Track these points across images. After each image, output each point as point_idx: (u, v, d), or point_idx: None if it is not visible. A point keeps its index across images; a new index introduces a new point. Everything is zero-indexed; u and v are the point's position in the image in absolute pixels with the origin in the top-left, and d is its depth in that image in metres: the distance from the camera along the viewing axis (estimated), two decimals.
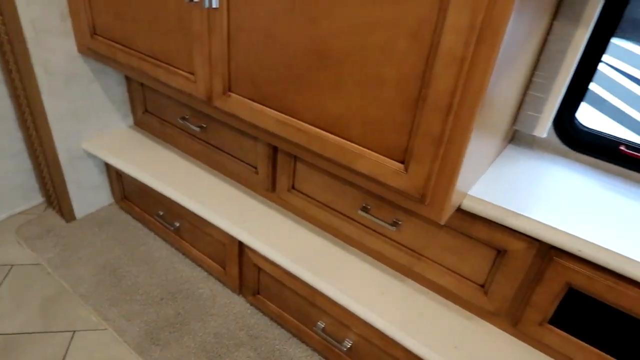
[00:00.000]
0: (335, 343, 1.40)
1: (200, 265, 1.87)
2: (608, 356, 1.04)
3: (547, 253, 1.02)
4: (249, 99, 1.18)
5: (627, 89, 2.78)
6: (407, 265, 1.28)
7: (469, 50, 0.76)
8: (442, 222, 0.98)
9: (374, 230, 1.30)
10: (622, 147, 1.19)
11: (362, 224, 1.32)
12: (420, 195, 0.95)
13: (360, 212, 1.26)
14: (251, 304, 1.71)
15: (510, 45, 0.82)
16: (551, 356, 1.16)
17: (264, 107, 1.15)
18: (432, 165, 0.90)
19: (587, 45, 1.11)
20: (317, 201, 1.41)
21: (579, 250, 0.94)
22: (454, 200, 0.98)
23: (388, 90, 0.90)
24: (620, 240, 0.95)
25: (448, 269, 1.21)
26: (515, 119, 1.23)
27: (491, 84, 0.81)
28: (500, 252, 1.09)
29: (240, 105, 1.21)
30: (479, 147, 0.97)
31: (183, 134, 1.78)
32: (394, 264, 1.37)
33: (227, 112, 1.26)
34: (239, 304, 1.71)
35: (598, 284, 0.97)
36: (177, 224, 1.80)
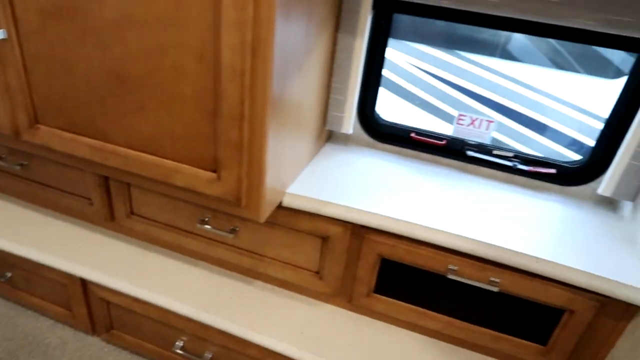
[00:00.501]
0: (197, 358, 1.41)
1: (43, 314, 1.72)
2: (422, 309, 1.23)
3: (359, 232, 1.18)
4: (59, 128, 1.15)
5: (431, 84, 3.33)
6: (251, 268, 1.35)
7: (247, 64, 0.86)
8: (262, 221, 1.07)
9: (215, 241, 1.35)
10: (412, 134, 1.42)
11: (204, 237, 1.36)
12: (235, 199, 1.03)
13: (199, 225, 1.30)
14: (107, 342, 1.63)
15: (287, 56, 0.94)
16: (383, 321, 1.33)
17: (75, 135, 1.13)
18: (239, 170, 0.99)
19: (369, 51, 1.31)
20: (158, 222, 1.41)
21: (379, 224, 1.11)
22: (271, 199, 1.08)
23: (188, 106, 0.96)
24: (411, 211, 1.15)
25: (287, 263, 1.31)
26: (325, 120, 1.39)
27: (276, 92, 0.92)
28: (325, 239, 1.22)
29: (50, 136, 1.16)
30: (285, 148, 1.08)
31: (3, 175, 1.63)
32: (239, 269, 1.44)
33: (38, 145, 1.20)
34: (93, 345, 1.61)
35: (399, 250, 1.15)
36: (9, 274, 1.63)
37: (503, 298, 1.14)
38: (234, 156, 0.97)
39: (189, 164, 1.04)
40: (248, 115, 0.92)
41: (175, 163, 1.05)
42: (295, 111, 1.09)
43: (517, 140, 3.04)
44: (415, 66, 3.34)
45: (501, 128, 3.10)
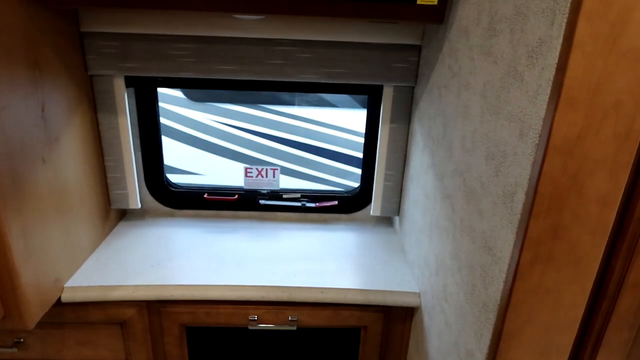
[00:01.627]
0: None
1: None
2: None
3: (156, 308, 1.14)
4: None
5: (236, 135, 3.75)
6: None
7: None
8: (31, 327, 0.97)
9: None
10: (205, 195, 1.45)
11: None
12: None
13: None
14: None
15: (17, 145, 0.89)
16: None
17: None
18: None
19: (141, 124, 1.32)
20: None
21: (172, 295, 1.10)
22: (40, 300, 0.99)
23: None
24: (205, 273, 1.16)
25: None
26: (109, 199, 1.34)
27: (6, 182, 0.86)
28: (122, 325, 1.15)
29: None
30: (49, 240, 1.01)
31: None
32: None
33: None
34: None
35: (200, 315, 1.14)
36: None
37: (306, 333, 1.20)
38: None
39: None
40: None
41: None
42: (51, 198, 1.03)
43: (328, 173, 3.56)
44: (222, 122, 3.71)
45: (312, 165, 3.59)
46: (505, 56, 0.67)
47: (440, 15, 0.93)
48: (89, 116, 1.20)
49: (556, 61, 0.53)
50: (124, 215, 1.46)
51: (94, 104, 1.23)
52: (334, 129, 3.89)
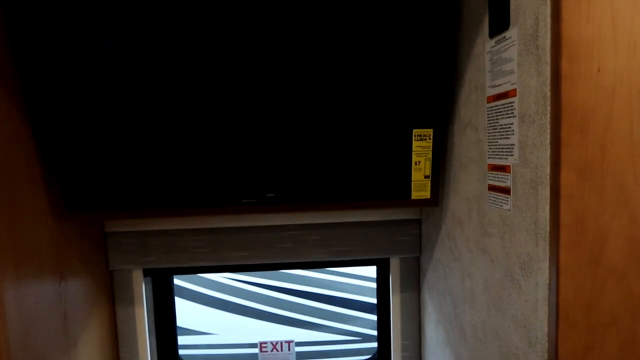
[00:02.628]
0: None
1: None
2: None
3: None
4: None
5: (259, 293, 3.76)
6: None
7: None
8: None
9: None
10: None
11: None
12: None
13: None
14: None
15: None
16: None
17: None
18: None
19: (157, 310, 1.34)
20: None
21: None
22: None
23: None
24: None
25: None
26: None
27: None
28: None
29: None
30: None
31: None
32: None
33: None
34: None
35: None
36: None
37: None
38: None
39: None
40: None
41: None
42: None
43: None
44: (231, 278, 3.76)
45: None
46: (501, 259, 0.72)
47: (434, 201, 1.01)
48: (107, 310, 1.23)
49: (548, 282, 0.57)
50: None
51: (112, 297, 1.27)
52: (343, 276, 3.91)
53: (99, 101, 0.90)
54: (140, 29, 0.86)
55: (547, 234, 0.57)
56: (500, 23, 0.70)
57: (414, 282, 1.30)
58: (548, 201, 0.57)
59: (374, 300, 1.47)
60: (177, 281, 3.77)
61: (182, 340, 1.46)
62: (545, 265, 0.58)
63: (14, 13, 0.84)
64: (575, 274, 0.55)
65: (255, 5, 0.85)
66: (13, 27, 0.86)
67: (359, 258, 1.27)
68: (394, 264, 1.29)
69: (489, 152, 0.76)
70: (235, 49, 0.87)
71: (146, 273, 1.30)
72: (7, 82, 0.85)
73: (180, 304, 3.68)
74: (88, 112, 0.90)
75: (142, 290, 1.28)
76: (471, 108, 0.84)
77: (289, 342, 1.47)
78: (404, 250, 1.26)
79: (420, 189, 0.97)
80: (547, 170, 0.57)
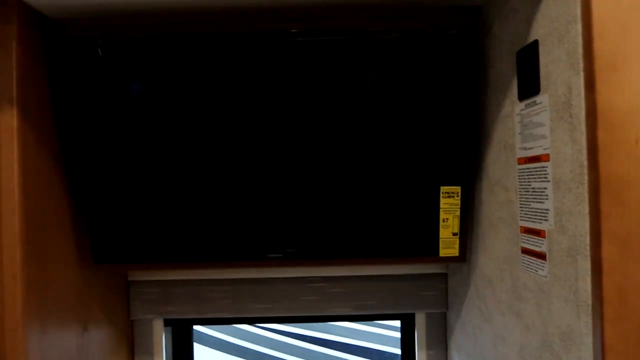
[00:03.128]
0: None
1: None
2: None
3: None
4: None
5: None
6: None
7: None
8: None
9: None
10: None
11: None
12: None
13: None
14: None
15: None
16: None
17: None
18: None
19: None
20: None
21: None
22: None
23: None
24: None
25: None
26: None
27: None
28: None
29: None
30: None
31: None
32: None
33: None
34: None
35: None
36: None
37: None
38: None
39: None
40: None
41: None
42: None
43: None
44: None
45: None
46: (538, 327, 0.69)
47: (462, 257, 0.99)
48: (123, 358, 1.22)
49: (592, 359, 0.55)
50: None
51: (132, 347, 1.25)
52: (367, 324, 3.79)
53: (131, 161, 0.92)
54: (173, 102, 0.89)
55: (590, 307, 0.55)
56: (530, 88, 0.70)
57: (440, 338, 1.25)
58: (589, 273, 0.55)
59: (398, 351, 1.42)
60: (196, 326, 3.69)
61: None
62: (589, 340, 0.55)
63: (62, 78, 0.89)
64: (622, 352, 0.52)
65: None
66: (56, 88, 0.90)
67: (383, 313, 1.24)
68: (420, 319, 1.25)
69: (520, 214, 0.75)
70: (265, 113, 0.90)
71: (166, 322, 1.29)
72: (46, 136, 0.89)
73: (198, 350, 3.60)
74: (121, 171, 0.93)
75: (162, 341, 1.27)
76: (500, 167, 0.83)
77: None
78: (430, 305, 1.22)
79: (449, 246, 0.96)
80: (587, 241, 0.56)
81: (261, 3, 0.85)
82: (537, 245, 0.69)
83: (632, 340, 0.52)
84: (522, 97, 0.73)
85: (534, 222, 0.70)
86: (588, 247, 0.56)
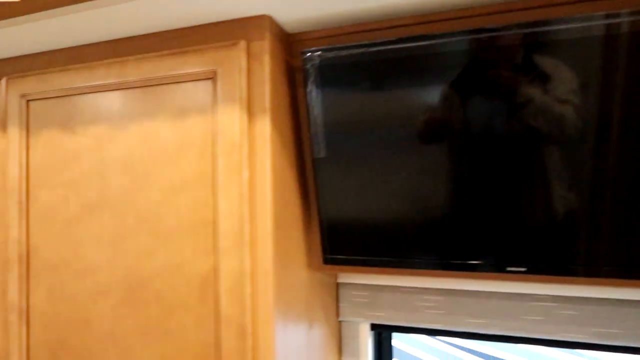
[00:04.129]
0: None
1: None
2: None
3: None
4: None
5: None
6: None
7: None
8: None
9: None
10: None
11: None
12: None
13: None
14: None
15: None
16: None
17: None
18: None
19: None
20: None
21: None
22: None
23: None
24: None
25: None
26: None
27: None
28: None
29: None
30: None
31: None
32: None
33: None
34: None
35: None
36: None
37: None
38: None
39: None
40: None
41: None
42: None
43: None
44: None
45: None
46: None
47: None
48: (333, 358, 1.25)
49: None
50: None
51: (340, 348, 1.28)
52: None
53: (365, 166, 0.93)
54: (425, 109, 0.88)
55: None
56: None
57: None
58: None
59: None
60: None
61: None
62: None
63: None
64: None
65: None
66: (297, 95, 0.97)
67: (628, 345, 1.03)
68: None
69: None
70: None
71: (372, 327, 1.29)
72: (287, 140, 0.95)
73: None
74: (353, 178, 0.94)
75: (368, 345, 1.27)
76: None
77: None
78: None
79: None
80: None
81: None
82: None
83: None
84: None
85: None
86: None
